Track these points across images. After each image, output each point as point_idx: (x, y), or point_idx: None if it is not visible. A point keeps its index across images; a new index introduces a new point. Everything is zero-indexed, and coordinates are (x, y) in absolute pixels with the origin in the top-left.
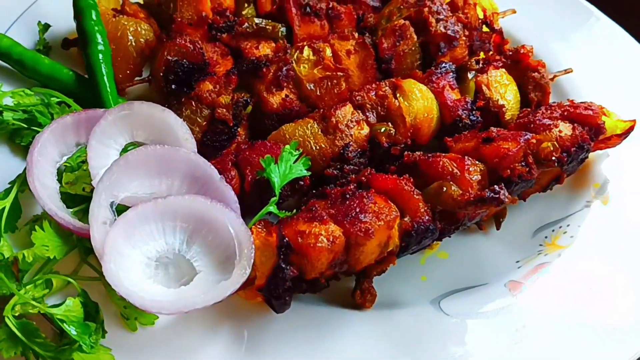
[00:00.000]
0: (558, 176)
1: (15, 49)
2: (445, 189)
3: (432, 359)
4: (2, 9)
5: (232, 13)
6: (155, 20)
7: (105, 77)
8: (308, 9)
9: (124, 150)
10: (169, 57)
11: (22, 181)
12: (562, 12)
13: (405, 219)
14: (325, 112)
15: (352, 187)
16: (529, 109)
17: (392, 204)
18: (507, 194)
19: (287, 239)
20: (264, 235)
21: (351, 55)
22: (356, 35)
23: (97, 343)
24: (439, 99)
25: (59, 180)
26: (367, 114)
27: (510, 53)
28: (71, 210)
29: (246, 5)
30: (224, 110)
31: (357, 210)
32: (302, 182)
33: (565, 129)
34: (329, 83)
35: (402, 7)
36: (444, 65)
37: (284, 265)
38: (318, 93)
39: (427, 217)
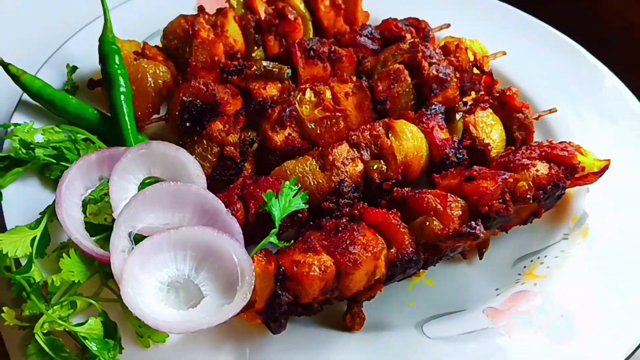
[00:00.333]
0: (537, 211)
1: (46, 90)
2: (428, 223)
3: None
4: (33, 51)
5: (242, 55)
6: (173, 62)
7: (126, 117)
8: (312, 53)
9: (142, 184)
10: (184, 98)
11: (51, 212)
12: (552, 52)
13: (392, 250)
14: (323, 150)
15: (344, 220)
16: (513, 147)
17: (380, 237)
18: (482, 229)
19: (283, 267)
20: (264, 264)
21: (349, 97)
22: (354, 78)
23: (115, 358)
24: (429, 138)
25: (84, 211)
26: (362, 152)
27: (498, 95)
28: (94, 238)
29: (256, 48)
30: (232, 148)
31: (348, 242)
32: (300, 215)
33: (542, 168)
34: (329, 122)
35: (396, 53)
36: (433, 107)
37: (280, 292)
38: (318, 131)
39: (411, 249)
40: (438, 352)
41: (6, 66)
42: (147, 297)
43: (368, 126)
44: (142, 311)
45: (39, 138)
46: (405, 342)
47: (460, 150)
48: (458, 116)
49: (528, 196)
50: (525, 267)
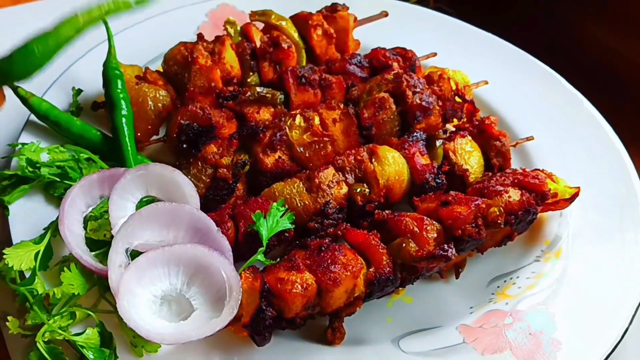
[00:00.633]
0: (510, 234)
1: (52, 112)
2: (405, 244)
3: None
4: (40, 75)
5: (238, 80)
6: (172, 87)
7: (127, 138)
8: (303, 80)
9: (140, 203)
10: (182, 121)
11: (54, 228)
12: (532, 81)
13: (371, 270)
14: (310, 173)
15: (327, 240)
16: (490, 173)
17: (359, 257)
18: (454, 252)
19: (267, 285)
20: (251, 280)
21: (337, 123)
22: (342, 105)
23: None
24: (410, 164)
25: (85, 227)
26: (347, 175)
27: (477, 123)
28: (93, 253)
29: (251, 74)
30: (225, 170)
31: (329, 261)
32: (287, 234)
33: (514, 194)
34: (317, 147)
35: (381, 83)
36: (415, 134)
37: (264, 307)
38: (307, 155)
39: (388, 269)
40: None
41: (15, 89)
42: (142, 310)
43: (353, 151)
44: (136, 322)
45: (44, 157)
46: (382, 355)
47: (440, 176)
48: (438, 143)
49: (499, 221)
50: (498, 287)
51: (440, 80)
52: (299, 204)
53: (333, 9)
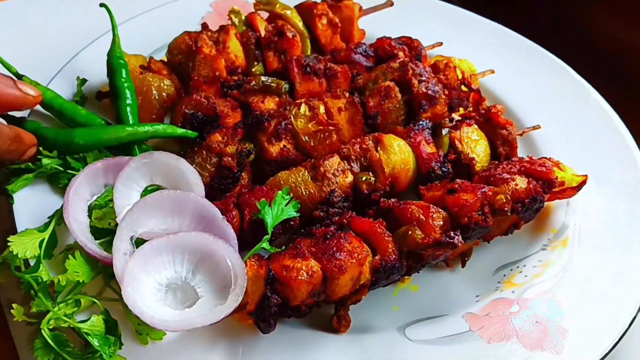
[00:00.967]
0: (516, 222)
1: (57, 101)
2: (410, 232)
3: None
4: (45, 63)
5: (243, 70)
6: (177, 76)
7: None
8: (308, 69)
9: (145, 191)
10: (186, 110)
11: (59, 216)
12: (539, 70)
13: (376, 257)
14: (316, 162)
15: (333, 228)
16: (497, 162)
17: (365, 245)
18: (461, 239)
19: (273, 272)
20: (256, 268)
21: (342, 112)
22: (347, 94)
23: (115, 353)
24: (416, 152)
25: (89, 216)
26: (352, 164)
27: (483, 111)
28: (98, 241)
29: (256, 63)
30: (230, 158)
31: (335, 249)
32: (292, 223)
33: (520, 182)
34: (322, 135)
35: (387, 71)
36: (421, 122)
37: (269, 294)
38: (312, 144)
39: (394, 257)
40: (418, 353)
41: (20, 77)
42: (146, 297)
43: (358, 140)
44: (141, 310)
45: None
46: (388, 344)
47: (446, 164)
48: (444, 131)
49: (506, 209)
50: (505, 275)
51: (446, 69)
52: (304, 193)
53: None
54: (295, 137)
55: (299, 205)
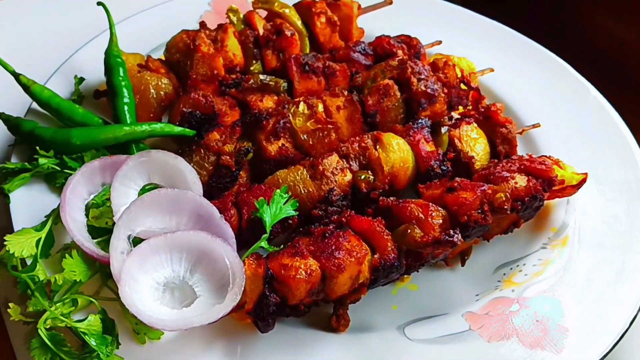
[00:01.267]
0: (516, 221)
1: (54, 100)
2: (410, 231)
3: None
4: (42, 62)
5: (241, 69)
6: (174, 75)
7: None
8: (307, 67)
9: (142, 190)
10: (184, 109)
11: (56, 215)
12: (538, 69)
13: (375, 256)
14: (314, 160)
15: (331, 227)
16: (496, 160)
17: (364, 243)
18: (460, 237)
19: (271, 271)
20: (254, 267)
21: (340, 110)
22: (345, 92)
23: (112, 353)
24: (415, 151)
25: (87, 214)
26: (351, 162)
27: (483, 110)
28: (95, 240)
29: (254, 62)
30: (228, 157)
31: (333, 247)
32: (290, 221)
33: (520, 180)
34: (321, 134)
35: (385, 69)
36: (420, 121)
37: (268, 293)
38: (311, 142)
39: (393, 255)
40: (417, 353)
41: (17, 76)
42: (144, 296)
43: (357, 138)
44: (138, 309)
45: None
46: (387, 343)
47: (445, 163)
48: (443, 130)
49: (506, 207)
50: (504, 274)
51: (446, 67)
52: (302, 191)
53: None
54: (294, 135)
55: (298, 204)
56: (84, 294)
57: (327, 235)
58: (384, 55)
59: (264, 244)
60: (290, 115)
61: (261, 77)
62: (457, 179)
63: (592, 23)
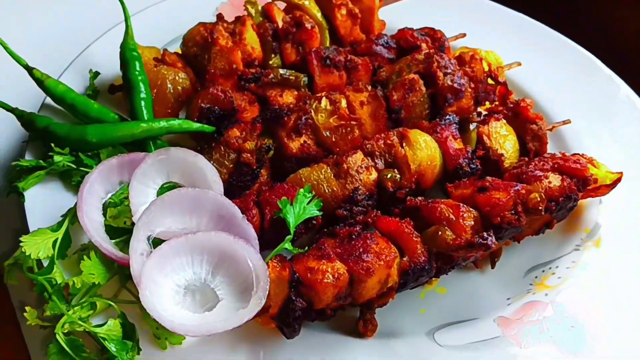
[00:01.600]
0: (549, 222)
1: (69, 94)
2: (440, 233)
3: None
4: (56, 56)
5: (260, 63)
6: (192, 69)
7: None
8: (328, 61)
9: (161, 189)
10: (202, 104)
11: (72, 215)
12: (567, 64)
13: (404, 259)
14: (338, 158)
15: (358, 228)
16: (526, 158)
17: (392, 246)
18: (494, 240)
19: (297, 274)
20: (279, 270)
21: (364, 106)
22: (369, 87)
23: (133, 358)
24: (442, 148)
25: (104, 214)
26: (376, 160)
27: (512, 105)
28: (113, 241)
29: (273, 55)
30: (249, 154)
31: (361, 250)
32: (314, 222)
33: (554, 180)
34: (344, 131)
35: (411, 63)
36: (448, 117)
37: (294, 297)
38: (333, 139)
39: (423, 258)
40: (448, 359)
41: (31, 70)
42: (165, 300)
43: (382, 135)
44: (159, 313)
45: None
46: (416, 349)
47: (474, 161)
48: (472, 126)
49: (540, 208)
50: (536, 277)
51: (472, 61)
52: (326, 190)
53: None
54: (316, 132)
55: (322, 204)
56: (103, 297)
57: (354, 237)
58: (407, 48)
59: (287, 245)
60: (312, 111)
61: (281, 71)
62: (488, 178)
63: (617, 17)
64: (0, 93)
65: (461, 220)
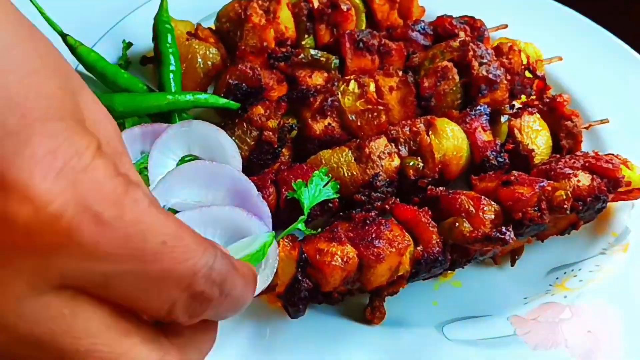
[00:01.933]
0: (575, 222)
1: (100, 63)
2: (458, 224)
3: None
4: (91, 26)
5: (293, 42)
6: (224, 45)
7: None
8: (361, 44)
9: (182, 160)
10: (230, 80)
11: None
12: (611, 62)
13: (418, 248)
14: (361, 142)
15: (373, 214)
16: (558, 155)
17: (407, 234)
18: (512, 235)
19: (305, 254)
20: (289, 249)
21: (393, 91)
22: (400, 73)
23: None
24: (470, 139)
25: None
26: (400, 147)
27: (547, 100)
28: None
29: (306, 36)
30: (271, 133)
31: (373, 235)
32: (330, 204)
33: (584, 179)
34: (370, 115)
35: (445, 50)
36: (478, 108)
37: (300, 278)
38: (359, 123)
39: (437, 249)
40: (454, 354)
41: (64, 37)
42: None
43: (409, 122)
44: None
45: None
46: (423, 340)
47: (502, 154)
48: (503, 119)
49: (565, 206)
50: (557, 278)
51: (511, 52)
52: (346, 174)
53: None
54: (342, 115)
55: (339, 186)
56: None
57: (368, 222)
58: (444, 36)
59: (300, 225)
60: (339, 93)
61: (312, 51)
62: (514, 172)
63: None
64: None
65: (481, 213)
